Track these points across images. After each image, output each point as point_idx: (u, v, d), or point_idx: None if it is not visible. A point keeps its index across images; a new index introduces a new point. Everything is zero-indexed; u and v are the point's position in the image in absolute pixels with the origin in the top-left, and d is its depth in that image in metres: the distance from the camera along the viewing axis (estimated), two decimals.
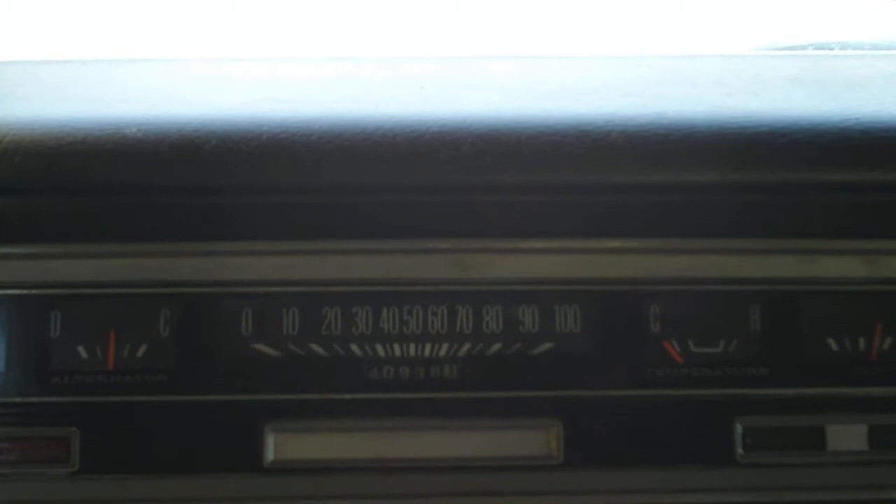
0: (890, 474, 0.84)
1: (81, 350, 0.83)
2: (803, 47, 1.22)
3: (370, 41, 1.24)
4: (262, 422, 0.82)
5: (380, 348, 0.84)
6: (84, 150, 0.79)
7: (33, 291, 0.84)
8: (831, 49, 1.21)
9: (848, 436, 0.83)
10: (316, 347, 0.84)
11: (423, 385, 0.84)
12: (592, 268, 0.85)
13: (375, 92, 0.91)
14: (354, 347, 0.84)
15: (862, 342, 0.85)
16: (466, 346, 0.84)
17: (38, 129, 0.80)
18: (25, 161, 0.79)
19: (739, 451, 0.83)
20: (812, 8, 1.35)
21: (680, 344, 0.85)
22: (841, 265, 0.86)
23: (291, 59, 1.04)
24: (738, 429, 0.83)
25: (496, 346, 0.84)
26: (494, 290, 0.85)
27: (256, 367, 0.83)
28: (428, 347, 0.84)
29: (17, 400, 0.83)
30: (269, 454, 0.82)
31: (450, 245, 0.85)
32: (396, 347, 0.84)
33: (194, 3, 1.31)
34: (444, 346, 0.84)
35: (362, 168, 0.80)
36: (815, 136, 0.82)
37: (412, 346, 0.84)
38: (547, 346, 0.84)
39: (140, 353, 0.83)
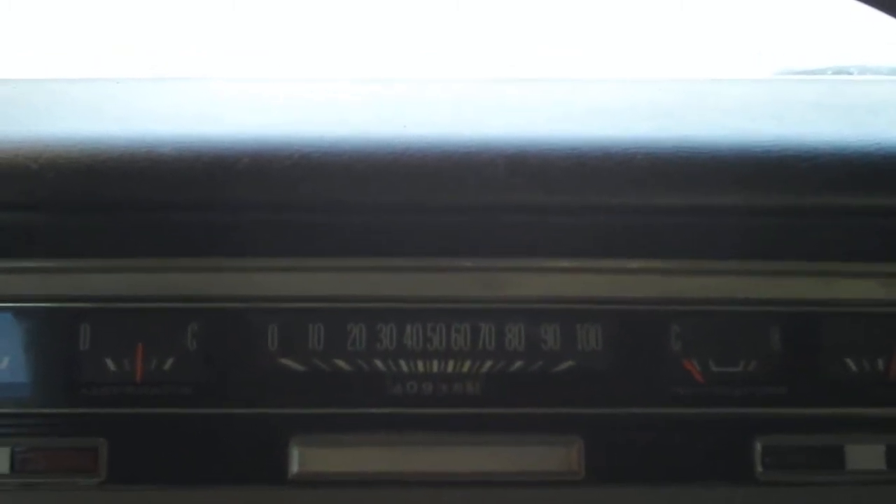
0: None
1: (110, 362, 0.84)
2: (823, 72, 1.23)
3: (399, 64, 1.26)
4: (287, 435, 0.83)
5: (403, 364, 0.85)
6: (118, 168, 0.80)
7: (64, 305, 0.85)
8: (851, 74, 1.22)
9: (866, 455, 0.84)
10: (341, 363, 0.85)
11: (445, 401, 0.85)
12: (615, 287, 0.86)
13: (404, 113, 0.93)
14: (378, 363, 0.85)
15: (880, 363, 0.86)
16: (489, 363, 0.85)
17: (73, 147, 0.81)
18: (60, 178, 0.80)
19: (759, 469, 0.84)
20: (831, 34, 1.35)
21: (700, 363, 0.85)
22: (860, 287, 0.87)
23: (321, 81, 1.05)
24: (758, 447, 0.84)
25: (518, 364, 0.85)
26: (517, 309, 0.86)
27: (282, 382, 0.84)
28: (451, 364, 0.85)
29: (47, 410, 0.84)
30: (294, 467, 0.83)
31: (474, 264, 0.86)
32: (420, 363, 0.85)
33: (227, 24, 1.32)
34: (467, 363, 0.85)
35: (391, 187, 0.81)
36: (837, 160, 0.82)
37: (435, 363, 0.85)
38: (569, 363, 0.85)
39: (167, 366, 0.84)
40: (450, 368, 0.85)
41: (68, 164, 0.80)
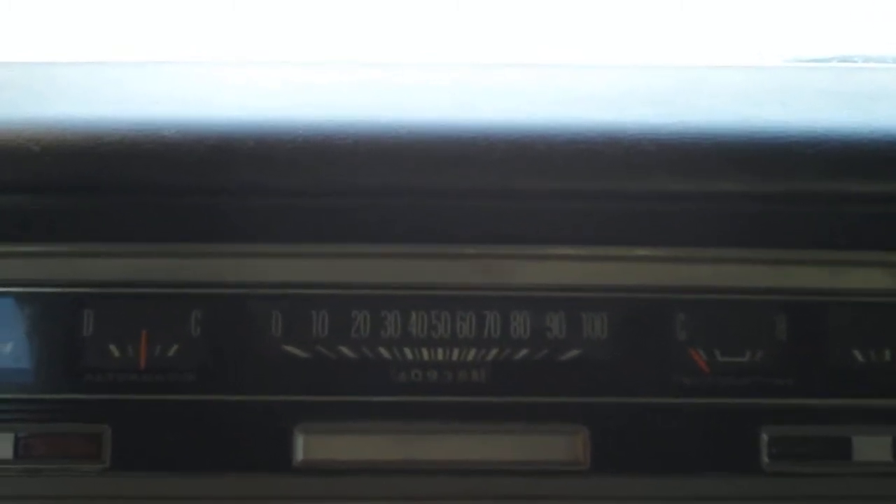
0: None
1: (113, 348, 0.84)
2: (828, 60, 1.22)
3: (403, 48, 1.25)
4: (292, 422, 0.83)
5: (408, 352, 0.85)
6: (121, 151, 0.79)
7: (67, 290, 0.85)
8: (855, 62, 1.21)
9: (873, 447, 0.84)
10: (345, 350, 0.85)
11: (450, 389, 0.84)
12: (620, 275, 0.86)
13: (409, 97, 0.92)
14: (383, 350, 0.85)
15: (887, 353, 0.86)
16: (494, 351, 0.85)
17: (75, 130, 0.80)
18: (62, 161, 0.80)
19: (765, 460, 0.84)
20: (836, 21, 1.35)
21: (706, 353, 0.85)
22: (867, 276, 0.87)
23: (325, 64, 1.04)
24: (764, 438, 0.84)
25: (523, 352, 0.85)
26: (522, 297, 0.86)
27: (286, 369, 0.84)
28: (456, 352, 0.85)
29: (50, 396, 0.84)
30: (299, 454, 0.83)
31: (479, 251, 0.86)
32: (425, 351, 0.85)
33: (230, 7, 1.32)
34: (472, 351, 0.85)
35: (395, 172, 0.80)
36: (843, 147, 0.82)
37: (440, 350, 0.85)
38: (574, 352, 0.85)
39: (171, 352, 0.84)
40: (455, 356, 0.85)
41: (70, 148, 0.80)
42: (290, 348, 0.84)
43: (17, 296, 0.84)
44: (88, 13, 1.30)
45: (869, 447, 0.84)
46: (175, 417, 0.83)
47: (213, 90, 0.94)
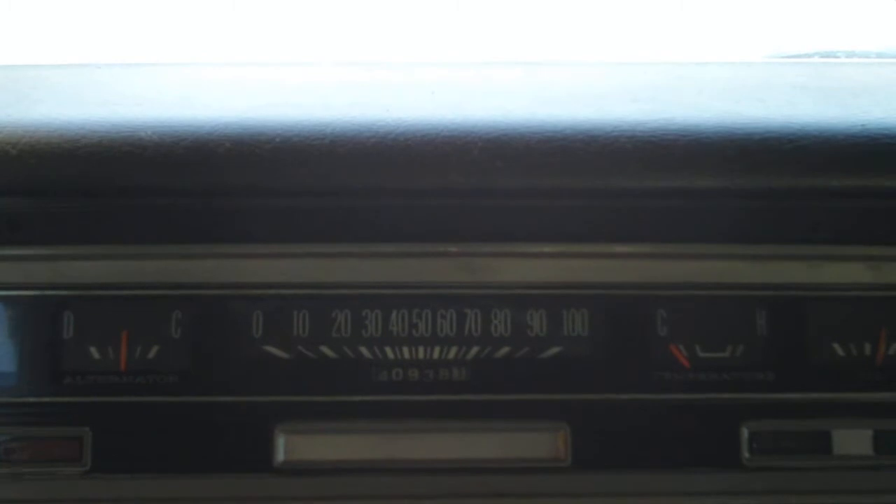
0: (894, 478, 0.85)
1: (94, 351, 0.84)
2: (809, 55, 1.23)
3: (381, 47, 1.25)
4: (273, 423, 0.83)
5: (389, 351, 0.85)
6: (99, 153, 0.79)
7: (47, 293, 0.84)
8: (837, 57, 1.21)
9: (853, 440, 0.84)
10: (326, 350, 0.85)
11: (431, 387, 0.84)
12: (601, 272, 0.86)
13: (386, 96, 0.92)
14: (364, 350, 0.85)
15: (867, 347, 0.86)
16: (475, 350, 0.85)
17: (54, 132, 0.80)
18: (41, 163, 0.80)
19: (746, 454, 0.84)
20: (818, 17, 1.35)
21: (687, 348, 0.85)
22: (847, 271, 0.87)
23: (303, 64, 1.04)
24: (745, 433, 0.84)
25: (505, 350, 0.85)
26: (503, 294, 0.86)
27: (267, 369, 0.84)
28: (437, 350, 0.85)
29: (31, 400, 0.84)
30: (280, 455, 0.83)
31: (459, 249, 0.86)
32: (405, 350, 0.85)
33: (207, 8, 1.32)
34: (453, 349, 0.85)
35: (373, 171, 0.80)
36: (821, 142, 0.82)
37: (421, 349, 0.85)
38: (555, 349, 0.85)
39: (152, 354, 0.84)
40: (435, 355, 0.85)
41: (47, 150, 0.80)
42: (270, 349, 0.84)
43: None
44: (67, 15, 1.30)
45: (849, 441, 0.84)
46: (156, 419, 0.83)
47: (191, 91, 0.94)
